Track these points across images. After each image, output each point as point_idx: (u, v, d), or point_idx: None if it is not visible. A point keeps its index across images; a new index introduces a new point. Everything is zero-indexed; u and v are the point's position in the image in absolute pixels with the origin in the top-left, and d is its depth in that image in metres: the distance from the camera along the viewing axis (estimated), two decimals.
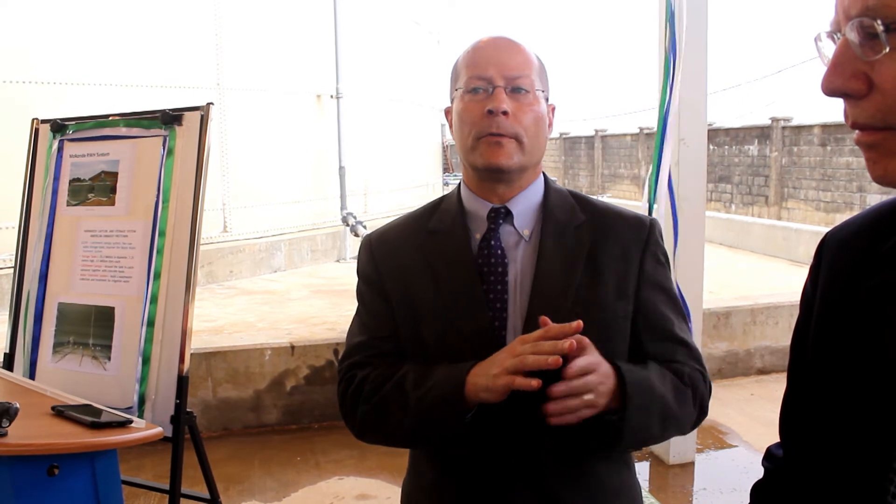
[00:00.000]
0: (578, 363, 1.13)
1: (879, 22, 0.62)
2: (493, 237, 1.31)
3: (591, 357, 1.16)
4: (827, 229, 0.90)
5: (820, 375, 0.82)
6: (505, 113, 1.24)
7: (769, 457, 0.97)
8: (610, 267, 1.29)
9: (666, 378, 1.27)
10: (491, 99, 1.25)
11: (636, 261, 1.30)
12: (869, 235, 0.80)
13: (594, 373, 1.14)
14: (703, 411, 1.33)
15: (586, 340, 1.16)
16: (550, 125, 1.35)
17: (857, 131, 0.68)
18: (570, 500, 1.27)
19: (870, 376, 0.73)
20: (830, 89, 0.67)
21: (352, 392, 1.34)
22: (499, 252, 1.30)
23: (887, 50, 0.63)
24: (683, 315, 1.37)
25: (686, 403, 1.28)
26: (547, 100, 1.33)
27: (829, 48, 0.68)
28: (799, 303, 0.90)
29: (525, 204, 1.32)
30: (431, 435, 1.27)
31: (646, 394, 1.21)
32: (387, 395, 1.28)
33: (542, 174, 1.38)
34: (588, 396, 1.13)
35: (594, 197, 1.44)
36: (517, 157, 1.27)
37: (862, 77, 0.65)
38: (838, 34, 0.67)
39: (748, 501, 0.98)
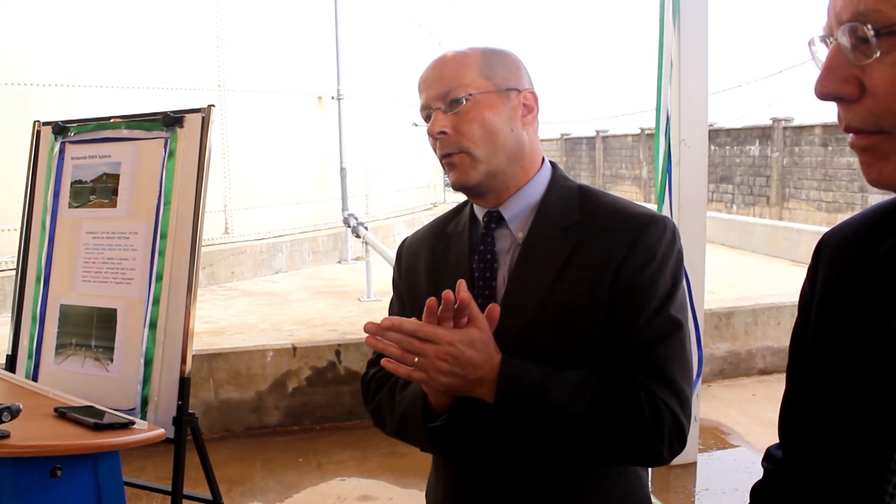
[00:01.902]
0: (424, 328, 1.11)
1: (870, 27, 0.62)
2: (484, 241, 1.30)
3: (459, 334, 1.12)
4: (828, 230, 0.90)
5: (819, 376, 0.82)
6: (443, 133, 1.24)
7: (769, 457, 0.97)
8: (588, 269, 1.21)
9: (583, 391, 1.14)
10: (431, 124, 1.26)
11: (615, 262, 1.19)
12: (867, 236, 0.80)
13: (443, 345, 1.10)
14: (647, 445, 1.16)
15: (479, 322, 1.14)
16: (529, 114, 1.28)
17: (851, 135, 0.68)
18: None
19: (868, 377, 0.74)
20: (823, 93, 0.67)
21: (363, 389, 1.44)
22: (488, 256, 1.29)
23: (878, 54, 0.63)
24: (669, 324, 1.19)
25: (605, 425, 1.14)
26: (515, 89, 1.27)
27: (823, 52, 0.68)
28: (797, 304, 0.91)
29: (520, 206, 1.29)
30: (410, 440, 1.31)
31: (526, 398, 1.14)
32: (382, 399, 1.37)
33: (548, 170, 1.33)
34: (418, 360, 1.11)
35: (609, 194, 1.33)
36: (474, 170, 1.25)
37: (854, 81, 0.65)
38: (831, 38, 0.67)
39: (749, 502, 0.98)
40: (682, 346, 1.20)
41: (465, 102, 1.23)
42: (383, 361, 1.14)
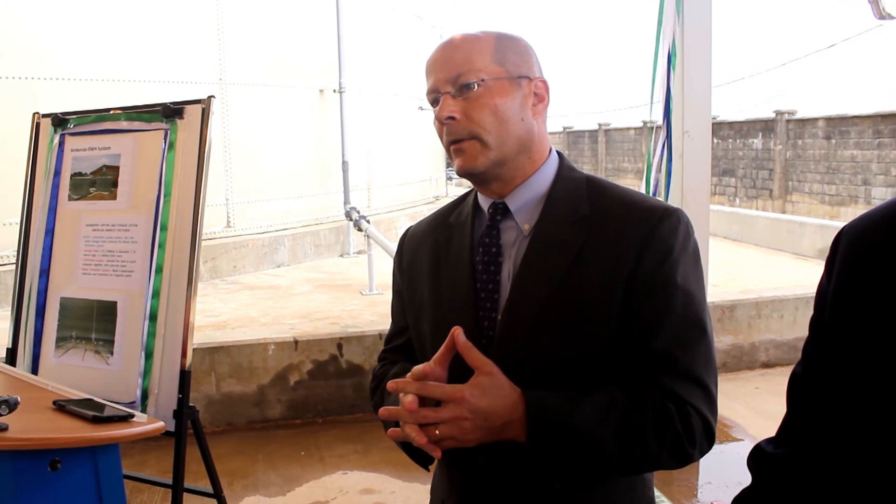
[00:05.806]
0: (428, 389, 1.08)
1: None
2: (489, 234, 1.26)
3: (467, 388, 1.07)
4: (831, 222, 0.88)
5: (838, 368, 0.80)
6: (451, 118, 1.19)
7: (758, 455, 0.95)
8: (599, 266, 1.16)
9: (611, 413, 1.11)
10: (439, 109, 1.21)
11: (630, 259, 1.15)
12: (887, 229, 0.78)
13: (455, 404, 1.06)
14: (680, 451, 1.14)
15: (485, 366, 1.09)
16: (540, 103, 1.24)
17: None
18: None
19: (887, 371, 0.72)
20: None
21: (369, 385, 1.45)
22: (493, 250, 1.25)
23: None
24: (692, 322, 1.16)
25: (638, 444, 1.12)
26: (527, 77, 1.22)
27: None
28: (814, 299, 0.88)
29: (526, 197, 1.25)
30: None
31: (559, 432, 1.09)
32: (377, 400, 1.38)
33: (555, 160, 1.29)
34: (440, 430, 1.07)
35: (617, 185, 1.29)
36: (483, 157, 1.20)
37: None
38: None
39: None
40: (706, 343, 1.17)
41: (476, 87, 1.18)
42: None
